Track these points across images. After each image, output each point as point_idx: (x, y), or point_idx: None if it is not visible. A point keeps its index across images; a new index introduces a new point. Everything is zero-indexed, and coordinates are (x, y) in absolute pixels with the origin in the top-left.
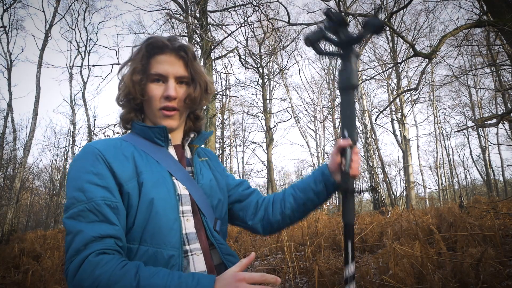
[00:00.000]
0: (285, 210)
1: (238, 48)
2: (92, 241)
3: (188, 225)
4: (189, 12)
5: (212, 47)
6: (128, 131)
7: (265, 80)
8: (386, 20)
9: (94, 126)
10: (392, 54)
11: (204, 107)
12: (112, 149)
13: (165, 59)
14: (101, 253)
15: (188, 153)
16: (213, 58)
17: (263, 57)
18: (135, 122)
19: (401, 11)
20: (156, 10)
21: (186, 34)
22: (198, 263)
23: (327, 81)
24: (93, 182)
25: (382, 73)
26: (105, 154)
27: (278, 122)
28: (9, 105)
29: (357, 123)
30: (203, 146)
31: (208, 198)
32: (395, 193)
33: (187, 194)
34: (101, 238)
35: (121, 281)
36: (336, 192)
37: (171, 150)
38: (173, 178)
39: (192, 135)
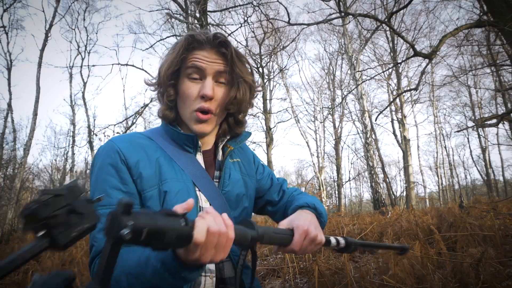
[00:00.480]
0: None
1: (238, 48)
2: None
3: None
4: (189, 12)
5: None
6: (157, 125)
7: (265, 80)
8: (386, 20)
9: (94, 126)
10: (392, 54)
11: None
12: (136, 152)
13: (204, 55)
14: None
15: (220, 155)
16: None
17: (263, 57)
18: (168, 124)
19: (401, 11)
20: (156, 10)
21: None
22: (208, 286)
23: (327, 81)
24: (117, 187)
25: (382, 73)
26: (128, 158)
27: (278, 122)
28: (9, 105)
29: (357, 123)
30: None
31: (231, 207)
32: (395, 193)
33: (208, 207)
34: None
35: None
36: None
37: (199, 157)
38: (196, 188)
39: (228, 137)
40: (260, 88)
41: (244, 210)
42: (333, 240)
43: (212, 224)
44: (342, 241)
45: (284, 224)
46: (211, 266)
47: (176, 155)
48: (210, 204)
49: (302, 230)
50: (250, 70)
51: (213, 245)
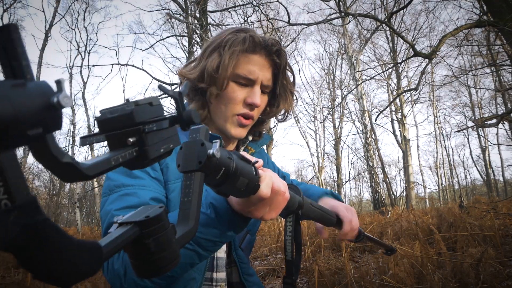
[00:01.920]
0: None
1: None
2: (113, 216)
3: (221, 247)
4: (189, 12)
5: None
6: None
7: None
8: (386, 20)
9: (94, 126)
10: (392, 54)
11: None
12: None
13: (258, 60)
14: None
15: None
16: None
17: None
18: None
19: (401, 11)
20: (156, 10)
21: (186, 34)
22: None
23: (327, 81)
24: (145, 169)
25: (382, 73)
26: None
27: (278, 122)
28: None
29: (357, 123)
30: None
31: None
32: (395, 193)
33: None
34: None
35: None
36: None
37: None
38: None
39: (250, 138)
40: (296, 96)
41: None
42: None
43: (276, 180)
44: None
45: (326, 204)
46: (221, 274)
47: None
48: None
49: (348, 220)
50: (292, 79)
51: (272, 202)
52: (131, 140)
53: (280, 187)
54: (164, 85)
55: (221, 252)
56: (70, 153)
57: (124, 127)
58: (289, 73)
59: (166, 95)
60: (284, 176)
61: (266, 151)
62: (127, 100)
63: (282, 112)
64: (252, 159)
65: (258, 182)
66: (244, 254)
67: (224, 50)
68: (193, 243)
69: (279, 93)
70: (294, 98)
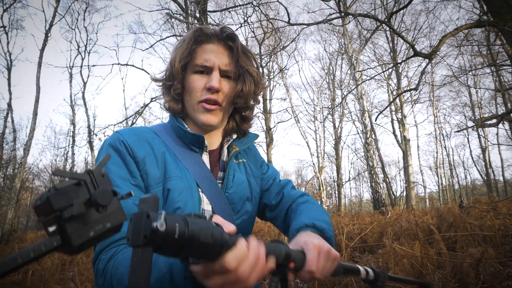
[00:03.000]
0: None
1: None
2: (106, 246)
3: None
4: (189, 12)
5: None
6: (163, 120)
7: (265, 80)
8: (386, 20)
9: (94, 126)
10: (392, 54)
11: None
12: (143, 147)
13: (212, 48)
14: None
15: (225, 155)
16: None
17: (263, 57)
18: (174, 117)
19: (401, 11)
20: (156, 10)
21: None
22: None
23: (327, 81)
24: (126, 178)
25: (382, 73)
26: (135, 152)
27: (278, 122)
28: (9, 105)
29: (357, 123)
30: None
31: (233, 210)
32: (395, 193)
33: (209, 211)
34: (116, 241)
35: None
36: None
37: (205, 157)
38: (199, 190)
39: (234, 136)
40: (266, 82)
41: (248, 214)
42: (362, 270)
43: (248, 263)
44: (371, 272)
45: (298, 241)
46: None
47: (181, 154)
48: (212, 207)
49: (312, 245)
50: (255, 65)
51: (237, 279)
52: (50, 229)
53: (251, 271)
54: (62, 169)
55: None
56: (70, 153)
57: (46, 215)
58: (250, 57)
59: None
60: (274, 179)
61: (266, 151)
62: (51, 186)
63: (242, 95)
64: (226, 225)
65: (225, 249)
66: None
67: (177, 47)
68: None
69: (238, 75)
70: (258, 80)
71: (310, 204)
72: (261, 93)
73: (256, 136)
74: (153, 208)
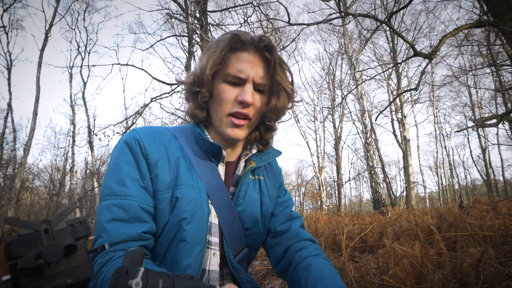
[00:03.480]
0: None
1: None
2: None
3: (214, 261)
4: (189, 12)
5: None
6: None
7: (297, 95)
8: (386, 20)
9: (94, 126)
10: (392, 54)
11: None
12: (157, 149)
13: (247, 58)
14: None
15: (240, 169)
16: None
17: None
18: (196, 125)
19: (401, 11)
20: (156, 10)
21: (186, 34)
22: None
23: (327, 81)
24: (135, 178)
25: (382, 73)
26: (149, 154)
27: (278, 122)
28: (9, 105)
29: (357, 123)
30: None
31: (242, 227)
32: (395, 193)
33: (216, 224)
34: (123, 242)
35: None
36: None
37: (221, 168)
38: (209, 201)
39: (254, 150)
40: (298, 98)
41: (257, 233)
42: None
43: None
44: None
45: None
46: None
47: (196, 161)
48: (219, 221)
49: None
50: (290, 79)
51: None
52: (3, 279)
53: None
54: (15, 218)
55: (214, 266)
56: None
57: (7, 259)
58: (285, 70)
59: (167, 94)
60: (286, 207)
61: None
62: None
63: (275, 110)
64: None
65: None
66: (239, 266)
67: (209, 52)
68: None
69: (272, 89)
70: (292, 96)
71: (322, 268)
72: (293, 106)
73: (279, 153)
74: (136, 263)
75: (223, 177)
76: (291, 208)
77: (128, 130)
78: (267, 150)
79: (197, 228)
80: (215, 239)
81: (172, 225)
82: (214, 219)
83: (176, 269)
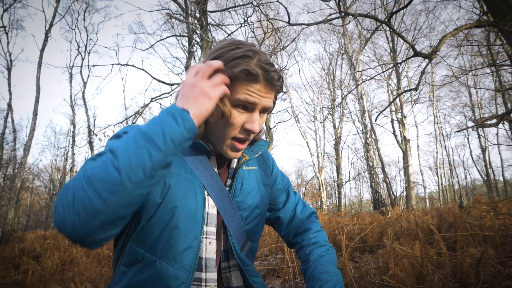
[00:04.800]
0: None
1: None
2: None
3: (210, 249)
4: (189, 12)
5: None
6: None
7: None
8: (386, 20)
9: (94, 126)
10: (392, 54)
11: None
12: None
13: (258, 88)
14: None
15: (234, 162)
16: None
17: None
18: None
19: (401, 11)
20: (156, 10)
21: (186, 34)
22: None
23: (327, 81)
24: None
25: (382, 73)
26: None
27: (278, 122)
28: (9, 105)
29: (357, 123)
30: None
31: (241, 217)
32: (395, 193)
33: (214, 214)
34: None
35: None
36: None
37: (212, 160)
38: (205, 192)
39: None
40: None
41: (256, 219)
42: None
43: None
44: None
45: None
46: (211, 275)
47: (187, 154)
48: (217, 210)
49: None
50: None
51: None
52: None
53: None
54: None
55: (211, 253)
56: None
57: None
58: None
59: (167, 94)
60: (288, 192)
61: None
62: None
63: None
64: None
65: None
66: (247, 258)
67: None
68: (143, 140)
69: (271, 110)
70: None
71: (324, 256)
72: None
73: (267, 143)
74: None
75: (216, 170)
76: (292, 191)
77: None
78: (258, 142)
79: (192, 217)
80: (211, 228)
81: (165, 212)
82: (211, 209)
83: (170, 255)
